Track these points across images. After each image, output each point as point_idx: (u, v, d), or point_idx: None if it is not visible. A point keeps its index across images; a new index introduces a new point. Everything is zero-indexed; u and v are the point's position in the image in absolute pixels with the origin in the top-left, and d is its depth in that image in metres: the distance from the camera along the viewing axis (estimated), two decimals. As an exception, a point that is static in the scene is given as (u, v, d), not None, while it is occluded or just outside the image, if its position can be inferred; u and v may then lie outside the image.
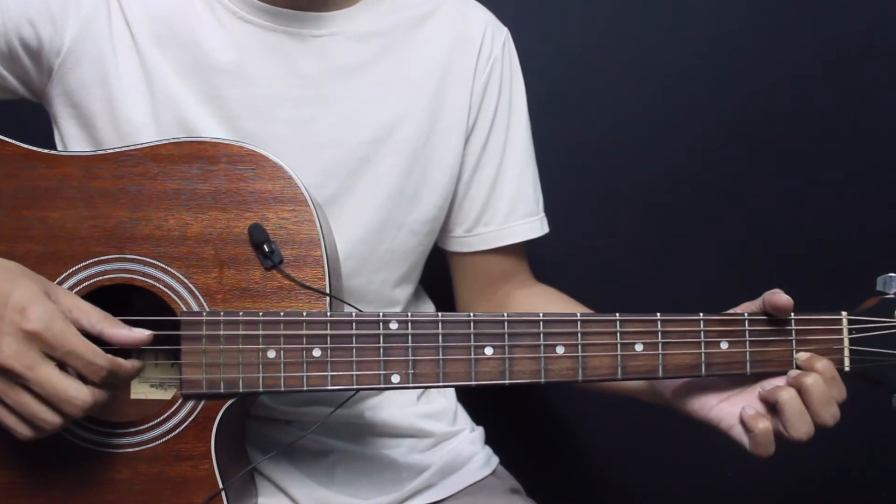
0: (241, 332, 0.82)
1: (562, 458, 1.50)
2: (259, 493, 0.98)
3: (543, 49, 1.36)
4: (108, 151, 0.86)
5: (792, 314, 0.85)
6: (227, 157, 0.85)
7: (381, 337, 0.83)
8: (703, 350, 0.85)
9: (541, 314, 0.84)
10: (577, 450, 1.50)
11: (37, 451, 0.81)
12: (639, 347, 0.84)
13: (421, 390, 1.09)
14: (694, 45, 1.41)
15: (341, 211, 0.97)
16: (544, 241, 1.10)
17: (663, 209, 1.44)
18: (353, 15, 0.99)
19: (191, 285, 0.84)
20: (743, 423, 0.85)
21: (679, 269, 1.44)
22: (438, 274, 1.13)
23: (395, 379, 0.83)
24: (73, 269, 0.84)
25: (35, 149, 0.86)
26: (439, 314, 0.84)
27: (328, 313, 0.83)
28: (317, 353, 0.82)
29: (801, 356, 0.85)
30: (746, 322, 0.85)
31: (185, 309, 0.83)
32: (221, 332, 0.82)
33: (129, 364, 0.79)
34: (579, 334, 0.84)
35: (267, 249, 0.83)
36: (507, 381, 0.83)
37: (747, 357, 0.85)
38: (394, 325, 0.83)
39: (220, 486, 0.83)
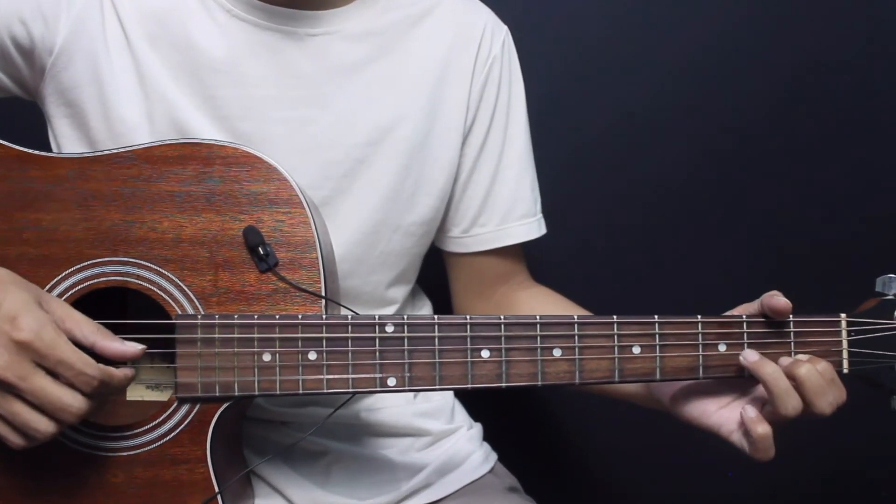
0: (236, 336, 0.82)
1: (560, 454, 1.50)
2: (255, 494, 0.97)
3: (543, 48, 1.35)
4: (102, 153, 0.85)
5: (790, 316, 0.85)
6: (222, 159, 0.84)
7: (377, 340, 0.82)
8: (700, 352, 0.84)
9: (538, 316, 0.83)
10: (576, 447, 1.50)
11: (31, 455, 0.80)
12: (636, 350, 0.84)
13: (418, 389, 1.09)
14: (694, 45, 1.41)
15: (336, 213, 0.97)
16: (542, 242, 1.10)
17: (661, 211, 1.43)
18: (349, 13, 0.98)
19: (185, 288, 0.83)
20: (743, 423, 0.84)
21: (677, 271, 1.44)
22: (438, 274, 1.12)
23: (392, 382, 0.82)
24: (67, 271, 0.83)
25: (28, 150, 0.85)
26: (435, 317, 0.83)
27: (324, 316, 0.83)
28: (312, 356, 0.82)
29: (783, 360, 0.83)
30: (745, 324, 0.85)
31: (179, 312, 0.83)
32: (216, 336, 0.82)
33: (120, 373, 0.78)
34: (576, 337, 0.83)
35: (262, 252, 0.83)
36: (503, 384, 0.83)
37: (746, 359, 0.85)
38: (390, 328, 0.83)
39: (216, 489, 0.83)
